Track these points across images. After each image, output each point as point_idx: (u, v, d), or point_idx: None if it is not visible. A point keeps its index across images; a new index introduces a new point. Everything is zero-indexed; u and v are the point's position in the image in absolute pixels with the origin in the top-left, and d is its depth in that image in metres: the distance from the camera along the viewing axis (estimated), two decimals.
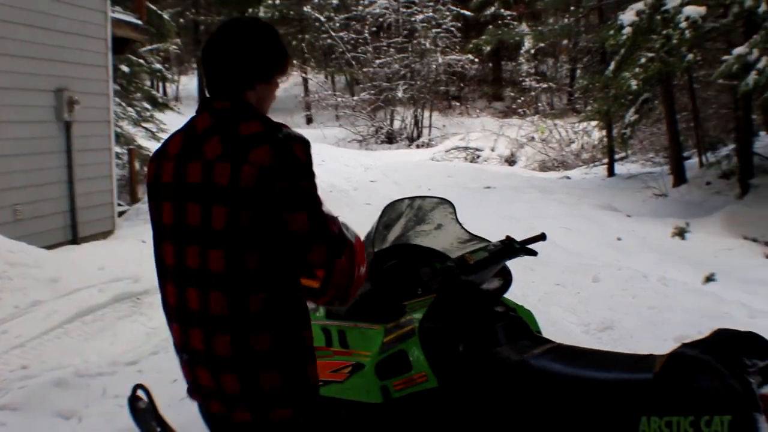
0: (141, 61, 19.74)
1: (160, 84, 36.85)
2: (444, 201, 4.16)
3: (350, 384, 3.63)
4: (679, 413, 2.70)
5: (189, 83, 43.61)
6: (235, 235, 2.44)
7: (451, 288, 3.54)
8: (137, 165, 17.57)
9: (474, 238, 4.01)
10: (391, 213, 3.97)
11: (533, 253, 3.91)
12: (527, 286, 8.11)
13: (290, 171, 2.42)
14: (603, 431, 2.96)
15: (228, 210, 2.42)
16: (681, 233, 11.80)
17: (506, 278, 3.90)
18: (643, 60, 13.98)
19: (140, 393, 5.12)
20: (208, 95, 2.68)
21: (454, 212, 4.13)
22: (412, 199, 4.15)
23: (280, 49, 2.70)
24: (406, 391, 3.54)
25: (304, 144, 2.50)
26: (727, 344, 2.86)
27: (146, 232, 12.14)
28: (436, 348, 3.56)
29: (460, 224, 4.01)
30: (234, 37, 2.65)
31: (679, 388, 2.75)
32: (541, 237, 4.06)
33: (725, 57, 12.12)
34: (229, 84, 2.62)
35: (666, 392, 2.78)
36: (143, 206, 15.53)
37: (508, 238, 3.83)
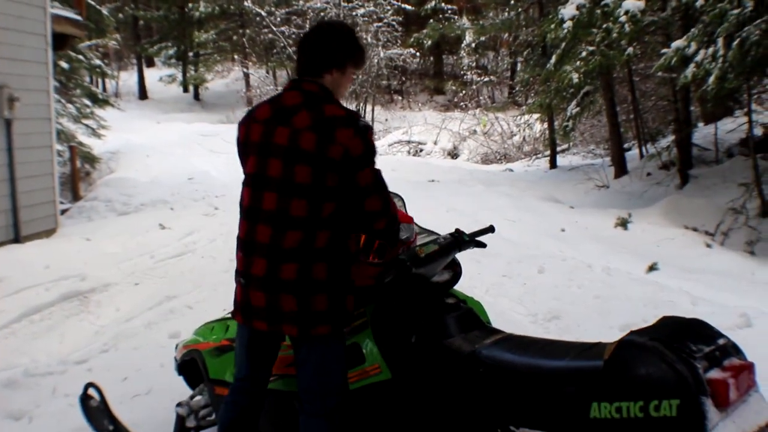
0: (80, 57, 19.49)
1: (100, 80, 36.39)
2: (394, 194, 4.19)
3: None
4: (628, 398, 2.75)
5: (129, 79, 43.06)
6: (319, 189, 3.29)
7: (403, 281, 3.56)
8: (78, 162, 17.37)
9: (424, 231, 4.04)
10: None
11: (483, 245, 3.95)
12: (474, 278, 8.17)
13: (370, 155, 3.36)
14: (555, 418, 3.01)
15: (312, 170, 3.29)
16: (623, 224, 11.95)
17: (456, 270, 3.93)
18: (584, 53, 14.12)
19: (92, 392, 5.11)
20: (296, 77, 3.56)
21: (404, 205, 4.17)
22: None
23: (352, 44, 3.56)
24: (360, 383, 3.57)
25: (372, 132, 3.41)
26: (674, 331, 2.92)
27: (90, 230, 12.02)
28: (389, 340, 3.59)
29: (409, 215, 4.03)
30: (319, 32, 3.58)
31: (628, 374, 2.80)
32: (490, 229, 4.11)
33: (664, 50, 12.28)
34: (312, 68, 3.49)
35: (615, 378, 2.83)
36: (86, 204, 15.37)
37: (458, 230, 3.87)
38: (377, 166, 3.41)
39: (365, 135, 3.33)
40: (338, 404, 3.48)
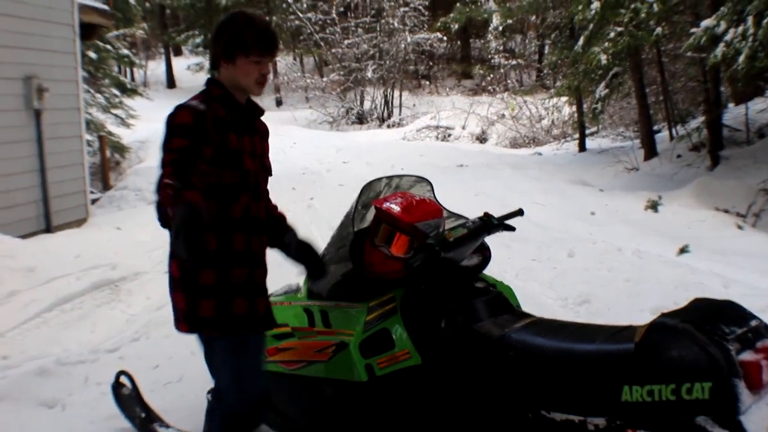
0: (108, 46, 19.59)
1: (128, 70, 36.53)
2: (422, 179, 4.18)
3: (334, 363, 3.66)
4: (660, 381, 2.74)
5: (157, 68, 43.26)
6: None
7: (432, 265, 3.55)
8: (108, 152, 17.47)
9: (452, 215, 4.03)
10: (369, 192, 3.97)
11: (512, 228, 3.93)
12: (504, 262, 8.15)
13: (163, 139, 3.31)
14: (586, 402, 3.00)
15: None
16: (654, 206, 11.87)
17: (485, 254, 3.92)
18: (612, 34, 14.03)
19: (123, 380, 5.16)
20: None
21: (432, 190, 4.15)
22: (390, 178, 4.16)
23: (237, 33, 3.42)
24: (390, 368, 3.57)
25: (179, 113, 3.34)
26: (706, 313, 2.90)
27: (121, 219, 12.10)
28: (419, 325, 3.59)
29: (437, 202, 4.02)
30: (216, 25, 3.56)
31: (660, 357, 2.78)
32: (519, 212, 4.09)
33: (693, 30, 12.16)
34: (211, 62, 3.59)
35: (647, 361, 2.81)
36: (116, 193, 15.48)
37: (487, 214, 3.85)
38: (169, 149, 3.24)
39: (166, 120, 3.33)
40: (231, 407, 3.55)
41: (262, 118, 3.76)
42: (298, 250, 3.85)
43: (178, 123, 3.28)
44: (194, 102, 3.39)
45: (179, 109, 3.35)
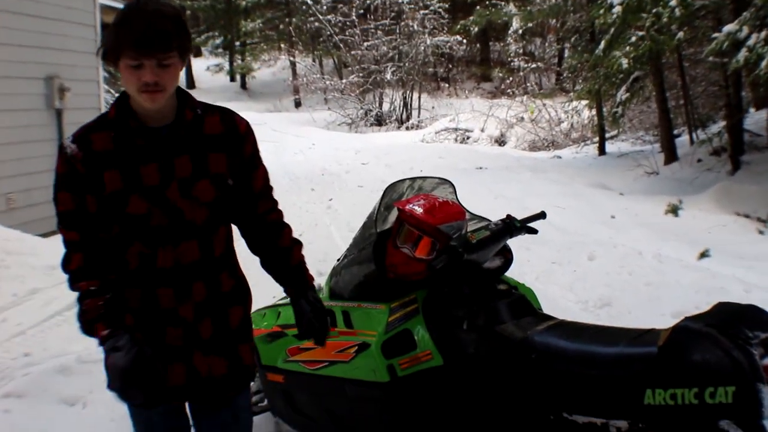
0: None
1: None
2: (444, 181, 4.19)
3: (356, 364, 3.67)
4: (683, 385, 2.74)
5: None
6: None
7: (454, 267, 3.56)
8: None
9: (475, 217, 4.03)
10: (392, 194, 3.98)
11: (534, 231, 3.94)
12: (523, 265, 8.14)
13: None
14: (608, 405, 3.00)
15: None
16: (674, 210, 11.84)
17: (507, 257, 3.92)
18: (633, 38, 13.99)
19: None
20: None
21: (455, 192, 4.16)
22: (413, 179, 4.17)
23: (112, 29, 2.74)
24: (411, 369, 3.58)
25: (60, 153, 2.86)
26: (729, 317, 2.90)
27: None
28: (441, 326, 3.60)
29: (460, 204, 4.03)
30: None
31: (683, 361, 2.78)
32: (541, 215, 4.09)
33: (715, 35, 12.12)
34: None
35: (670, 365, 2.82)
36: None
37: (509, 216, 3.85)
38: (56, 209, 2.89)
39: None
40: None
41: (241, 107, 2.96)
42: (312, 319, 3.26)
43: (57, 172, 2.86)
44: (68, 140, 2.88)
45: (58, 151, 2.89)
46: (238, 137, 2.97)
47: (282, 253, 3.25)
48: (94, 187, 2.77)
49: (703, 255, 9.00)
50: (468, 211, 3.97)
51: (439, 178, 4.23)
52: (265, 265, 3.30)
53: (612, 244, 9.47)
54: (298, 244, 3.32)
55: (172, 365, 2.91)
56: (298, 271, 3.28)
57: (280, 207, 3.29)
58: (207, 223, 2.91)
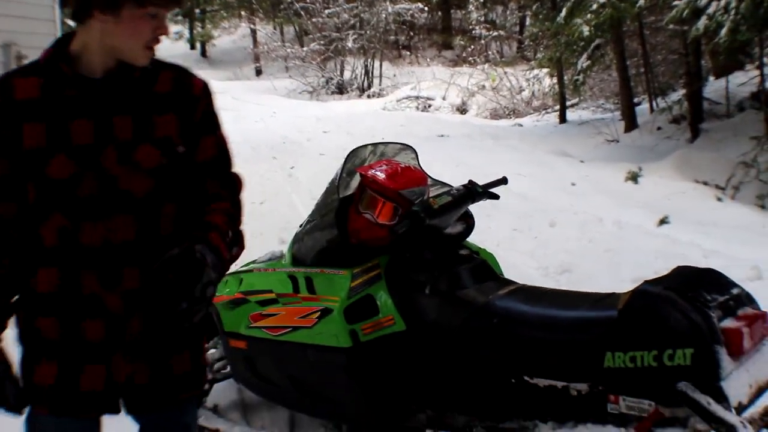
0: None
1: None
2: (406, 147, 4.19)
3: (319, 329, 3.67)
4: (642, 348, 2.78)
5: None
6: None
7: (416, 232, 3.57)
8: None
9: (437, 183, 4.04)
10: (354, 159, 3.98)
11: (496, 196, 3.96)
12: (485, 231, 8.11)
13: None
14: (569, 368, 3.03)
15: None
16: (634, 177, 11.90)
17: (468, 222, 3.94)
18: (594, 6, 14.01)
19: None
20: None
21: (417, 158, 4.16)
22: (375, 145, 4.17)
23: None
24: (374, 334, 3.60)
25: None
26: (688, 280, 2.94)
27: None
28: (403, 291, 3.61)
29: (422, 169, 4.03)
30: None
31: (643, 324, 2.82)
32: (503, 181, 4.11)
33: (676, 2, 12.16)
34: (75, 12, 2.38)
35: (630, 328, 2.86)
36: None
37: (471, 182, 3.87)
38: None
39: None
40: None
41: (201, 75, 2.60)
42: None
43: None
44: None
45: None
46: (191, 98, 2.53)
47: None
48: (7, 143, 2.33)
49: (663, 222, 9.08)
50: (430, 176, 3.98)
51: (401, 144, 4.23)
52: None
53: (572, 211, 9.51)
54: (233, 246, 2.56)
55: (87, 366, 2.40)
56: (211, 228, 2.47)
57: (237, 206, 2.67)
58: (149, 196, 2.41)
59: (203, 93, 2.57)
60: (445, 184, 4.03)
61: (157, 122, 2.42)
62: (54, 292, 2.38)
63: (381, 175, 3.65)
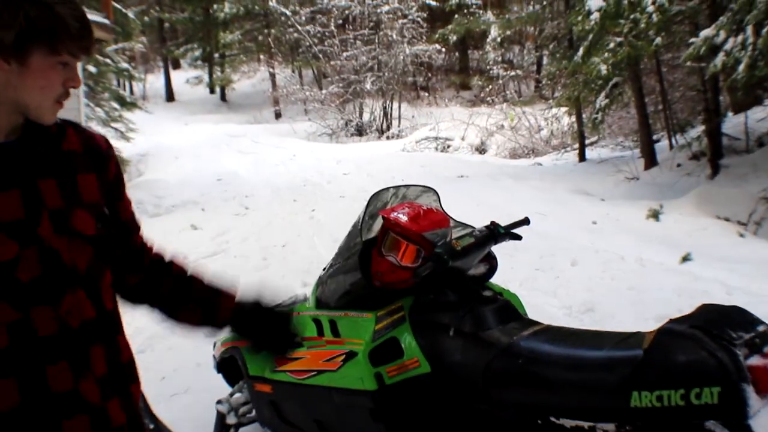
0: (107, 60, 19.62)
1: (127, 83, 36.63)
2: (428, 189, 4.21)
3: (344, 372, 3.68)
4: (669, 387, 2.76)
5: (155, 81, 43.39)
6: None
7: (440, 274, 3.58)
8: None
9: (459, 224, 4.05)
10: (376, 202, 4.00)
11: (518, 237, 3.97)
12: (507, 272, 8.11)
13: None
14: (595, 408, 3.02)
15: None
16: (655, 215, 11.88)
17: (492, 263, 3.96)
18: (611, 45, 14.07)
19: None
20: None
21: (438, 199, 4.18)
22: (397, 188, 4.19)
23: (42, 11, 1.93)
24: (399, 377, 3.60)
25: None
26: (713, 318, 2.93)
27: None
28: (428, 333, 3.62)
29: (444, 211, 4.05)
30: None
31: (669, 362, 2.81)
32: (525, 221, 4.12)
33: (692, 39, 12.20)
34: None
35: (656, 367, 2.84)
36: None
37: (493, 223, 3.88)
38: None
39: None
40: None
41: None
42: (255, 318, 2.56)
43: None
44: None
45: None
46: (102, 156, 2.24)
47: (190, 279, 2.55)
48: None
49: (685, 259, 9.04)
50: (452, 218, 4.00)
51: (422, 186, 4.25)
52: (172, 309, 2.53)
53: (594, 250, 9.51)
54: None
55: None
56: (217, 281, 2.59)
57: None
58: (92, 266, 2.11)
59: (109, 149, 2.30)
60: (467, 226, 4.05)
61: (81, 184, 2.12)
62: (17, 407, 1.94)
63: (403, 218, 3.67)
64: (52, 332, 1.98)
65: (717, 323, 2.85)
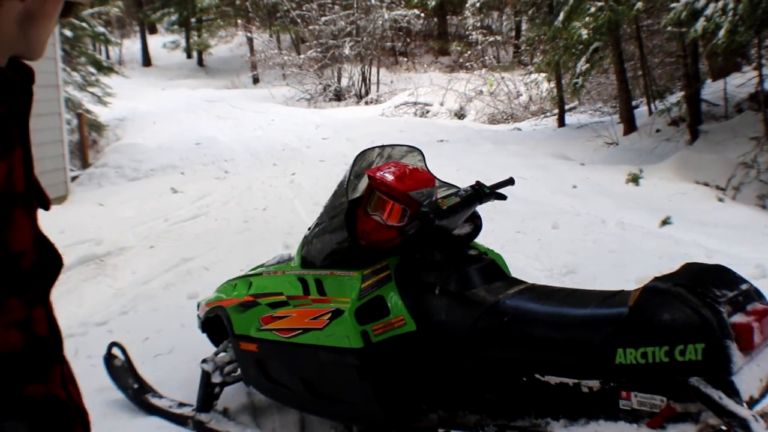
0: (84, 24, 19.41)
1: (103, 48, 36.25)
2: (413, 149, 4.21)
3: (330, 330, 3.69)
4: (654, 343, 2.80)
5: (132, 46, 42.94)
6: None
7: (425, 233, 3.59)
8: (86, 130, 17.39)
9: (444, 184, 4.06)
10: (361, 162, 4.00)
11: (503, 197, 3.98)
12: (488, 234, 8.13)
13: None
14: (580, 365, 3.05)
15: None
16: (635, 179, 11.93)
17: (476, 223, 3.96)
18: (592, 9, 14.07)
19: (116, 351, 5.18)
20: None
21: (423, 159, 4.19)
22: (382, 147, 4.18)
23: None
24: (385, 335, 3.62)
25: None
26: (697, 276, 2.96)
27: (102, 196, 12.10)
28: (413, 292, 3.63)
29: (429, 171, 4.05)
30: None
31: (653, 320, 2.84)
32: (510, 181, 4.13)
33: (673, 4, 12.20)
34: None
35: (641, 324, 2.87)
36: (96, 171, 15.46)
37: (478, 183, 3.88)
38: None
39: None
40: None
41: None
42: None
43: None
44: None
45: None
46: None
47: None
48: None
49: (665, 222, 9.10)
50: (437, 178, 4.00)
51: (408, 146, 4.25)
52: None
53: (575, 213, 9.55)
54: None
55: None
56: None
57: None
58: None
59: None
60: (452, 186, 4.05)
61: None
62: None
63: (389, 177, 3.68)
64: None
65: (701, 281, 2.88)
